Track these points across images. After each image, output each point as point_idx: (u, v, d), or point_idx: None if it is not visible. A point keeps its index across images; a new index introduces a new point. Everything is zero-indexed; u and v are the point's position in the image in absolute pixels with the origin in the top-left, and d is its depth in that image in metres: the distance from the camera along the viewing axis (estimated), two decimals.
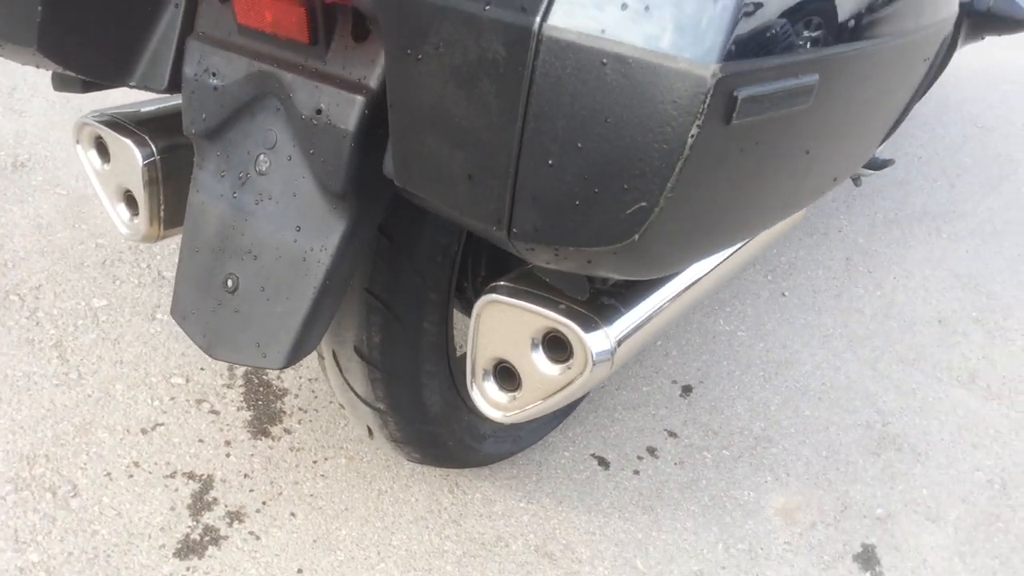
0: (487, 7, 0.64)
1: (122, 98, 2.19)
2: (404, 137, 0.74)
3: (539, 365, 0.86)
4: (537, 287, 0.86)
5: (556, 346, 0.86)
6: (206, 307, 0.96)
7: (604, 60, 0.59)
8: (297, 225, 0.91)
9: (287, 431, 1.43)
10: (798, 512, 1.43)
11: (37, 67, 1.04)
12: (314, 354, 1.55)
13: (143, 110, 1.15)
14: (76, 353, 1.49)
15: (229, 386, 1.48)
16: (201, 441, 1.39)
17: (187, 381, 1.48)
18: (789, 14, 0.63)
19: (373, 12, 0.73)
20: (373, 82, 0.83)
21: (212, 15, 0.96)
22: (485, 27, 0.64)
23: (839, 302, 1.93)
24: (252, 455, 1.38)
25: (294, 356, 0.91)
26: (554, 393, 0.86)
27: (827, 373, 1.72)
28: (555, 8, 0.61)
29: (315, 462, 1.38)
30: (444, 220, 1.05)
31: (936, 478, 1.52)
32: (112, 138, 1.10)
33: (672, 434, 1.53)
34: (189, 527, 1.26)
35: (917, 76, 0.96)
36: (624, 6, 0.59)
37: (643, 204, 0.62)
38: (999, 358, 1.84)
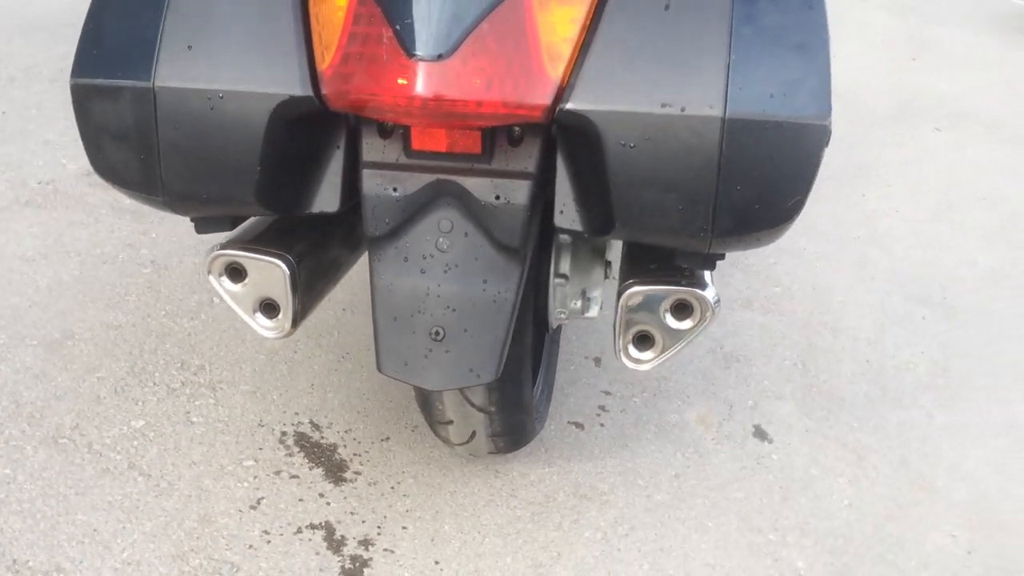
0: (683, 109, 1.06)
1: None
2: (623, 197, 1.12)
3: (673, 325, 1.27)
4: (656, 277, 1.27)
5: (680, 309, 1.26)
6: (418, 355, 1.26)
7: (767, 128, 1.05)
8: (484, 279, 1.24)
9: (357, 473, 1.74)
10: (708, 418, 2.01)
11: (229, 214, 1.26)
12: (348, 414, 1.86)
13: (251, 230, 1.36)
14: (153, 467, 1.68)
15: (291, 454, 1.75)
16: (301, 500, 1.66)
17: (256, 461, 1.73)
18: None
19: (585, 127, 1.10)
20: (533, 169, 1.21)
21: (377, 148, 1.23)
22: (675, 121, 1.07)
23: None
24: (346, 498, 1.68)
25: (499, 370, 1.26)
26: (682, 342, 1.29)
27: None
28: (730, 102, 1.05)
29: (392, 487, 1.72)
30: (545, 246, 1.45)
31: (764, 371, 2.18)
32: (252, 260, 1.29)
33: (607, 392, 2.04)
34: (339, 561, 1.56)
35: None
36: (771, 96, 1.05)
37: (799, 198, 1.10)
38: (757, 286, 2.57)
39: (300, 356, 2.02)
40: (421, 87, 1.07)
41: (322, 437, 1.81)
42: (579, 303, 1.63)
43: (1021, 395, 2.26)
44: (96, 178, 2.46)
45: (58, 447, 1.69)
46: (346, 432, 1.83)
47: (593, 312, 1.65)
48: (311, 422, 1.84)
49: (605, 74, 1.10)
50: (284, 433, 1.81)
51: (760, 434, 1.98)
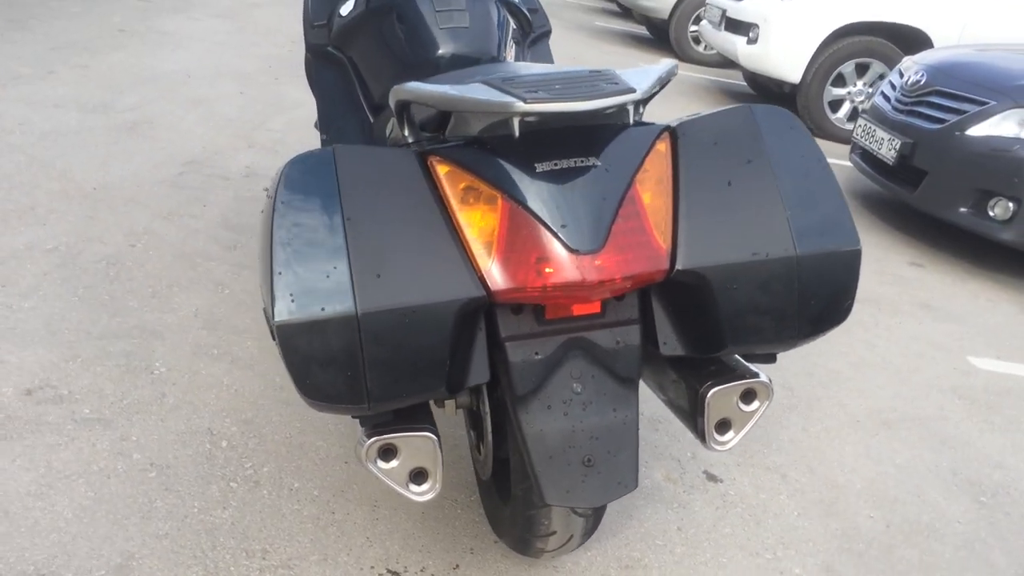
0: (767, 255, 1.45)
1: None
2: (733, 325, 1.47)
3: (745, 409, 1.62)
4: (723, 376, 1.61)
5: (747, 396, 1.61)
6: (576, 481, 1.51)
7: (825, 259, 1.45)
8: (613, 408, 1.54)
9: None
10: (671, 475, 2.44)
11: (416, 403, 1.43)
12: (413, 554, 2.06)
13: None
14: None
15: None
16: None
17: None
18: None
19: (696, 280, 1.44)
20: (636, 315, 1.55)
21: (513, 323, 1.51)
22: (764, 265, 1.44)
23: None
24: None
25: (638, 478, 1.57)
26: (751, 421, 1.64)
27: None
28: (798, 245, 1.47)
29: None
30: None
31: (681, 425, 2.67)
32: (405, 439, 1.46)
33: None
34: None
35: None
36: (822, 235, 1.48)
37: (849, 301, 1.51)
38: None
39: (339, 516, 2.17)
40: (589, 275, 1.39)
41: None
42: None
43: (848, 394, 2.95)
44: (40, 394, 2.41)
45: None
46: (422, 570, 2.04)
47: None
48: (389, 571, 2.02)
49: (699, 238, 1.47)
50: None
51: (712, 478, 2.45)
